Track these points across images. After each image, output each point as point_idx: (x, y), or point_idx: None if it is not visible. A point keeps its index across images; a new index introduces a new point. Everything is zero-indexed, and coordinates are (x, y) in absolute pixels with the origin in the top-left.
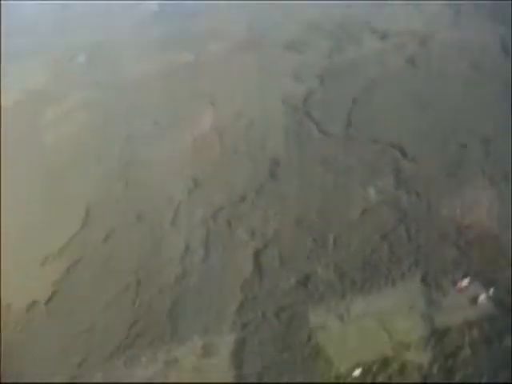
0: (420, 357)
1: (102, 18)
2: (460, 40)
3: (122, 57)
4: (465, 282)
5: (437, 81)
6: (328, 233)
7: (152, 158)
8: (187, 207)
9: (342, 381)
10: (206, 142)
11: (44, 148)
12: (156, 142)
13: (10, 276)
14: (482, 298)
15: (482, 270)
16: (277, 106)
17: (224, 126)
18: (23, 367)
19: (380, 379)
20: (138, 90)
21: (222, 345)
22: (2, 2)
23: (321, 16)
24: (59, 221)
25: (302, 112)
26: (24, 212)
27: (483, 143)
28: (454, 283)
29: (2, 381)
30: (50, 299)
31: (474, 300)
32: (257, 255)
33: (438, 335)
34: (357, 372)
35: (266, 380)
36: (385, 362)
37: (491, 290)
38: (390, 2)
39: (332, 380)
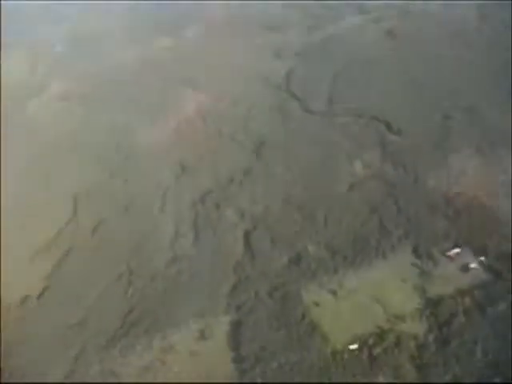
0: (415, 327)
1: (77, 7)
2: (438, 11)
3: (100, 45)
4: (455, 251)
5: (418, 52)
6: (317, 210)
7: (137, 146)
8: (175, 192)
9: (338, 356)
10: (190, 126)
11: (27, 141)
12: (140, 129)
13: (0, 272)
14: (473, 265)
15: (471, 238)
16: (259, 85)
17: (207, 109)
18: (19, 363)
19: (376, 352)
20: (118, 78)
21: (217, 327)
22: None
23: None
24: (46, 214)
25: (284, 90)
26: (10, 206)
27: (467, 113)
28: (445, 253)
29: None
30: (41, 293)
31: (465, 268)
32: (247, 236)
33: (431, 305)
34: (353, 346)
35: (263, 359)
36: (380, 335)
37: (481, 258)
38: None
39: (329, 356)
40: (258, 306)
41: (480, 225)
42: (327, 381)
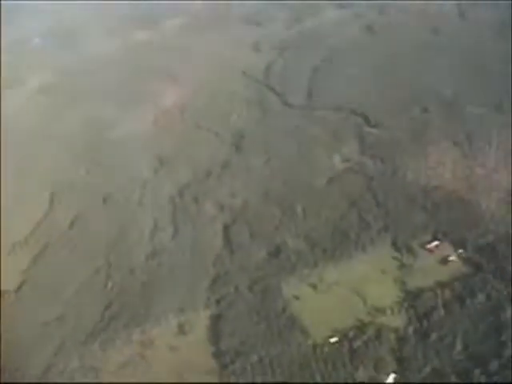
0: (395, 320)
1: (56, 1)
2: (418, 8)
3: (78, 38)
4: (434, 244)
5: (396, 47)
6: (296, 203)
7: (115, 139)
8: (154, 186)
9: (319, 349)
10: (168, 119)
11: (4, 134)
12: (118, 121)
13: None
14: (452, 258)
15: (450, 232)
16: (238, 79)
17: (186, 102)
18: None
19: (357, 345)
20: (96, 71)
21: (197, 322)
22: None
23: None
24: (23, 208)
25: (263, 84)
26: None
27: (445, 106)
28: (424, 246)
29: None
30: (19, 288)
31: (445, 261)
32: (226, 230)
33: (411, 298)
34: (333, 339)
35: (243, 353)
36: (361, 328)
37: (461, 251)
38: None
39: (309, 349)
40: (238, 300)
41: (459, 218)
42: (308, 374)
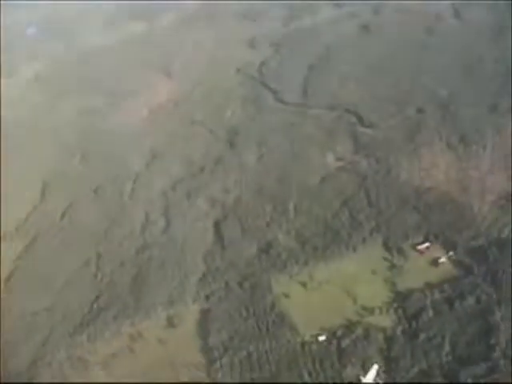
0: (384, 320)
1: None
2: (413, 8)
3: (73, 29)
4: (425, 245)
5: (392, 47)
6: (288, 200)
7: (108, 131)
8: (146, 179)
9: (307, 347)
10: (162, 112)
11: None
12: (112, 114)
13: None
14: (443, 260)
15: (441, 233)
16: (233, 75)
17: (180, 97)
18: None
19: (345, 344)
20: (90, 62)
21: (186, 316)
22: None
23: None
24: (15, 198)
25: (258, 81)
26: None
27: (440, 107)
28: (415, 247)
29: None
30: (9, 277)
31: (435, 262)
32: (217, 225)
33: (400, 298)
34: (322, 337)
35: (232, 348)
36: (349, 327)
37: (451, 253)
38: None
39: (298, 346)
40: (228, 296)
41: (451, 220)
42: (296, 371)
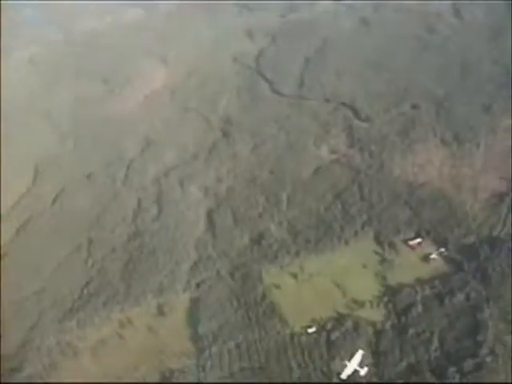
0: (373, 314)
1: None
2: (413, 5)
3: (69, 13)
4: (417, 241)
5: (390, 42)
6: (281, 191)
7: (102, 117)
8: (139, 165)
9: (296, 338)
10: (157, 100)
11: None
12: (107, 100)
13: None
14: (434, 256)
15: (433, 229)
16: (229, 64)
17: (175, 85)
18: None
19: (335, 336)
20: (86, 48)
21: (176, 304)
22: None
23: None
24: (7, 181)
25: (254, 71)
26: None
27: (435, 104)
28: (406, 242)
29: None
30: None
31: (426, 258)
32: (210, 214)
33: (390, 293)
34: (311, 329)
35: (221, 338)
36: (339, 320)
37: (442, 249)
38: None
39: (287, 338)
40: (218, 285)
41: (443, 217)
42: (285, 362)
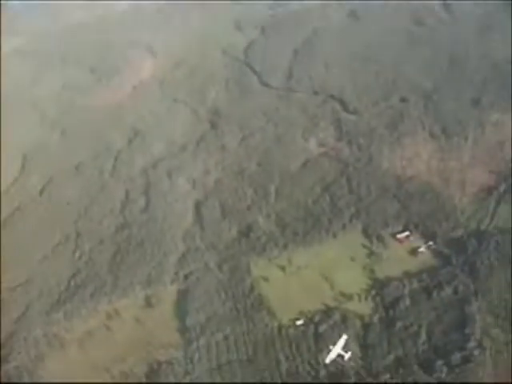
0: (361, 307)
1: None
2: None
3: (58, 3)
4: (405, 234)
5: (379, 35)
6: (269, 184)
7: (90, 107)
8: (127, 157)
9: (284, 331)
10: (145, 90)
11: None
12: (94, 90)
13: None
14: (422, 249)
15: (421, 223)
16: (217, 56)
17: (164, 76)
18: None
19: (322, 329)
20: (74, 38)
21: (164, 296)
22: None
23: None
24: None
25: (242, 63)
26: None
27: (423, 97)
28: (395, 235)
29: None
30: None
31: (414, 252)
32: (198, 206)
33: (378, 286)
34: (299, 322)
35: (209, 330)
36: (327, 312)
37: (430, 243)
38: None
39: (275, 330)
40: (206, 277)
41: (431, 210)
42: (272, 354)
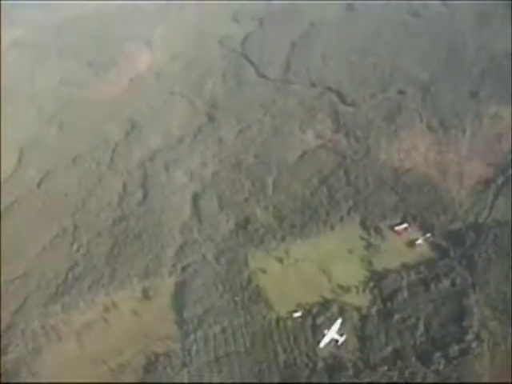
0: (359, 299)
1: None
2: None
3: None
4: (403, 227)
5: (376, 27)
6: (267, 176)
7: (87, 100)
8: (124, 149)
9: (282, 323)
10: (142, 83)
11: None
12: (91, 82)
13: None
14: (420, 242)
15: (419, 215)
16: (214, 48)
17: (161, 68)
18: None
19: (320, 321)
20: (71, 31)
21: (162, 288)
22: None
23: None
24: None
25: (239, 55)
26: None
27: (421, 89)
28: (392, 227)
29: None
30: None
31: (412, 244)
32: (195, 198)
33: (376, 278)
34: (297, 314)
35: (206, 322)
36: (324, 305)
37: (428, 235)
38: None
39: (273, 322)
40: (204, 270)
41: (429, 203)
42: (270, 346)
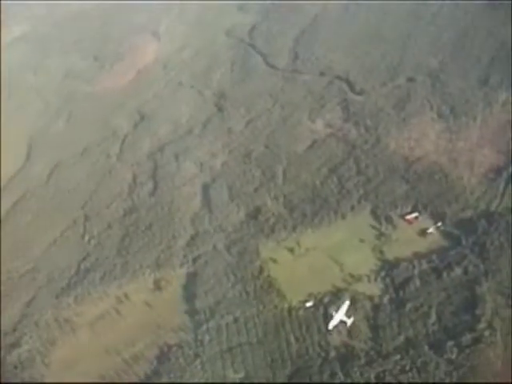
0: (371, 288)
1: None
2: None
3: None
4: (414, 215)
5: (384, 15)
6: (277, 166)
7: (94, 93)
8: (133, 140)
9: (294, 312)
10: (150, 74)
11: None
12: (98, 75)
13: None
14: (431, 230)
15: (430, 203)
16: (222, 38)
17: (168, 58)
18: None
19: (332, 310)
20: (77, 24)
21: (173, 279)
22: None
23: None
24: (1, 158)
25: (247, 44)
26: None
27: (430, 77)
28: (403, 216)
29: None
30: None
31: (423, 232)
32: (205, 189)
33: (388, 267)
34: (309, 304)
35: (218, 312)
36: (336, 294)
37: (439, 223)
38: None
39: (285, 312)
40: (215, 260)
41: (440, 191)
42: (282, 336)
